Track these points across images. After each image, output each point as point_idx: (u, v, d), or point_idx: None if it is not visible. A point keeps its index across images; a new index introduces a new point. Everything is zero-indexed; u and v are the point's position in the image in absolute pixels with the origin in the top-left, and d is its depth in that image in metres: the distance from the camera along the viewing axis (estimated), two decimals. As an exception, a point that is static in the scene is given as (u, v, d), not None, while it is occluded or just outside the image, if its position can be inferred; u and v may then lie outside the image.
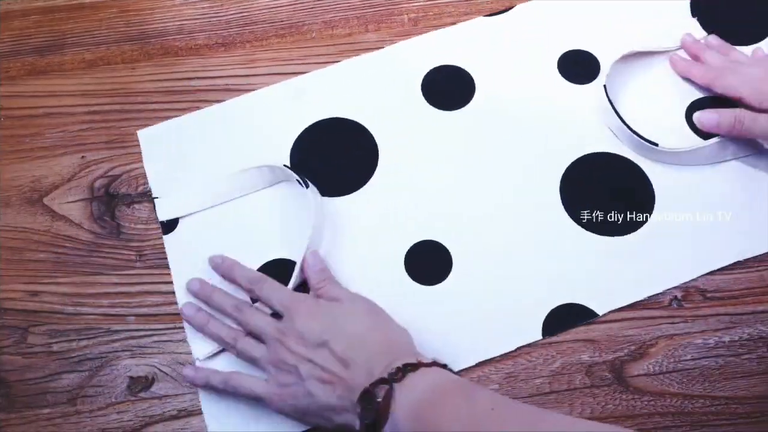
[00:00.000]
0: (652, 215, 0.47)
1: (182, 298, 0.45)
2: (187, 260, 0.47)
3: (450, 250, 0.46)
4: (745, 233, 0.46)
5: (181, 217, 0.48)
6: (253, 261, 0.46)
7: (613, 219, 0.47)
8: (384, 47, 0.55)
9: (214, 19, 0.57)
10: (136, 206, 0.50)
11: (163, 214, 0.48)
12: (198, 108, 0.53)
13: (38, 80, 0.55)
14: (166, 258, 0.47)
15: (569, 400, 0.42)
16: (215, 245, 0.47)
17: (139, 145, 0.51)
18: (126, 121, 0.53)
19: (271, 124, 0.51)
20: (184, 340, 0.45)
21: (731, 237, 0.46)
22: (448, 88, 0.52)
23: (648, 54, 0.52)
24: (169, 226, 0.48)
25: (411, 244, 0.47)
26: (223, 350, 0.43)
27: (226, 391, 0.41)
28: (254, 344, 0.42)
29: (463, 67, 0.53)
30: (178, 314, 0.46)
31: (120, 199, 0.50)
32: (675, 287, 0.45)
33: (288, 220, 0.48)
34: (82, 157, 0.51)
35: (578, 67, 0.52)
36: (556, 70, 0.52)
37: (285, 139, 0.51)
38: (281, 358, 0.40)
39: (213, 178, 0.49)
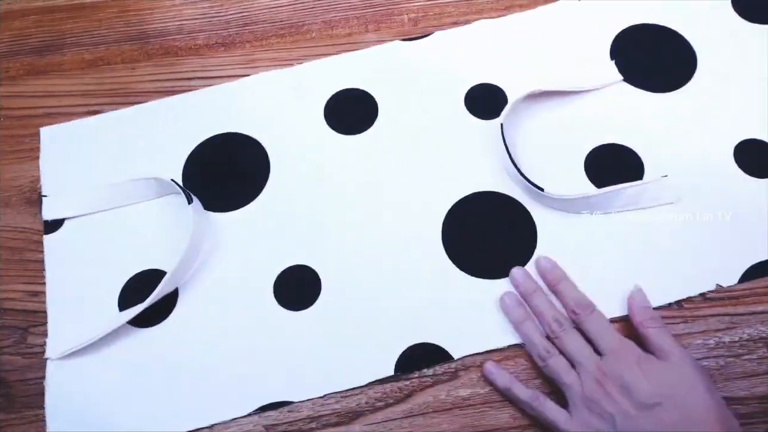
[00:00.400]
0: (530, 260, 0.46)
1: (53, 299, 0.46)
2: (64, 262, 0.47)
3: (321, 277, 0.46)
4: (625, 286, 0.44)
5: (67, 218, 0.48)
6: (129, 269, 0.46)
7: (490, 261, 0.46)
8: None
9: (214, 19, 0.57)
10: (136, 206, 0.50)
11: (49, 214, 0.48)
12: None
13: (38, 80, 0.55)
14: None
15: (569, 401, 0.42)
16: (95, 250, 0.47)
17: (138, 145, 0.52)
18: (126, 121, 0.53)
19: (169, 134, 0.51)
20: (183, 341, 0.45)
21: (610, 288, 0.44)
22: (350, 112, 0.52)
23: (557, 94, 0.51)
24: (53, 225, 0.48)
25: (284, 267, 0.46)
26: (79, 351, 0.43)
27: (521, 405, 0.41)
28: (567, 368, 0.41)
29: (369, 91, 0.52)
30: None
31: (120, 200, 0.50)
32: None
33: (170, 232, 0.47)
34: (82, 157, 0.51)
35: (485, 101, 0.51)
36: (463, 103, 0.51)
37: (181, 151, 0.50)
38: (596, 399, 0.38)
39: (104, 184, 0.49)
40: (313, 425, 0.42)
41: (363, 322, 0.44)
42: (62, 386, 0.43)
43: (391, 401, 0.42)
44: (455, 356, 0.43)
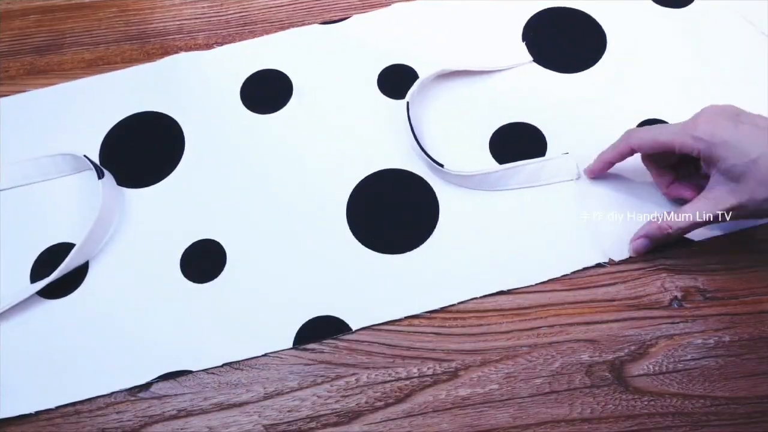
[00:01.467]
0: (432, 235, 0.47)
1: None
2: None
3: (226, 250, 0.47)
4: (523, 261, 0.46)
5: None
6: (42, 243, 0.47)
7: (392, 236, 0.47)
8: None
9: (214, 19, 0.57)
10: (136, 206, 0.50)
11: None
12: (198, 108, 0.53)
13: (38, 80, 0.55)
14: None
15: (569, 400, 0.42)
16: (9, 225, 0.48)
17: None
18: (126, 121, 0.53)
19: (92, 112, 0.52)
20: (183, 340, 0.45)
21: (507, 263, 0.46)
22: (266, 91, 0.53)
23: (467, 73, 0.52)
24: None
25: (191, 241, 0.47)
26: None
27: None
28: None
29: (285, 71, 0.53)
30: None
31: (119, 199, 0.50)
32: (675, 287, 0.45)
33: (83, 207, 0.48)
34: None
35: (397, 81, 0.52)
36: (375, 83, 0.53)
37: (101, 128, 0.52)
38: None
39: (20, 159, 0.50)
40: (313, 425, 0.42)
41: (265, 295, 0.45)
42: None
43: (391, 401, 0.42)
44: (353, 327, 0.44)
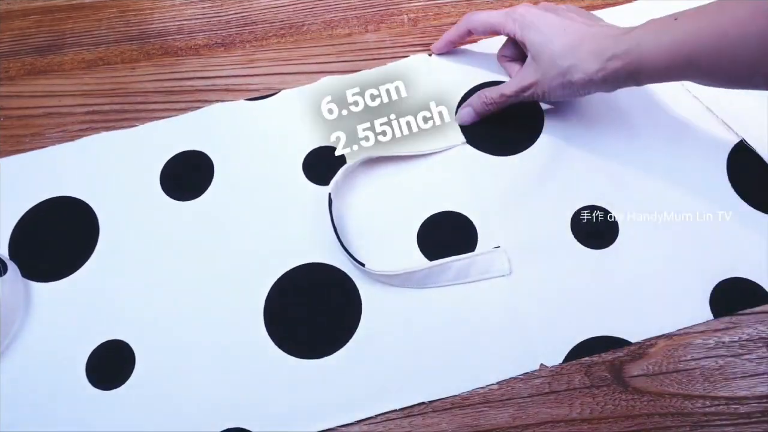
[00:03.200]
0: (353, 338, 0.43)
1: None
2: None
3: (135, 353, 0.43)
4: (450, 367, 0.42)
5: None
6: None
7: (313, 338, 0.44)
8: (384, 47, 0.55)
9: (214, 19, 0.57)
10: (136, 206, 0.49)
11: None
12: (198, 107, 0.53)
13: (38, 80, 0.55)
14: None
15: (569, 400, 0.42)
16: None
17: (137, 146, 0.51)
18: (126, 121, 0.53)
19: (3, 195, 0.49)
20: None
21: (432, 370, 0.42)
22: (186, 175, 0.49)
23: (396, 158, 0.49)
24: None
25: (99, 342, 0.44)
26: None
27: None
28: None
29: (207, 153, 0.50)
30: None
31: (119, 199, 0.50)
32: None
33: None
34: (82, 157, 0.51)
35: (323, 166, 0.49)
36: (301, 167, 0.49)
37: (12, 214, 0.48)
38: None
39: None
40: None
41: (175, 404, 0.42)
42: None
43: (391, 401, 0.42)
44: None
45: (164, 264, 0.46)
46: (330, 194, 0.46)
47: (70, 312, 0.45)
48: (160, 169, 0.50)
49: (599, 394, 0.42)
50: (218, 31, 0.57)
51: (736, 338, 0.43)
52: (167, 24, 0.57)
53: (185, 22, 0.57)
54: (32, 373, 0.43)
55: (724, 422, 0.41)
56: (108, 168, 0.50)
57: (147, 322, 0.44)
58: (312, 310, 0.45)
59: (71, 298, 0.45)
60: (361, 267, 0.44)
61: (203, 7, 0.58)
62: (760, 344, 0.43)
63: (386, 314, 0.44)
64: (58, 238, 0.48)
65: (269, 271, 0.46)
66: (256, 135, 0.51)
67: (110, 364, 0.43)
